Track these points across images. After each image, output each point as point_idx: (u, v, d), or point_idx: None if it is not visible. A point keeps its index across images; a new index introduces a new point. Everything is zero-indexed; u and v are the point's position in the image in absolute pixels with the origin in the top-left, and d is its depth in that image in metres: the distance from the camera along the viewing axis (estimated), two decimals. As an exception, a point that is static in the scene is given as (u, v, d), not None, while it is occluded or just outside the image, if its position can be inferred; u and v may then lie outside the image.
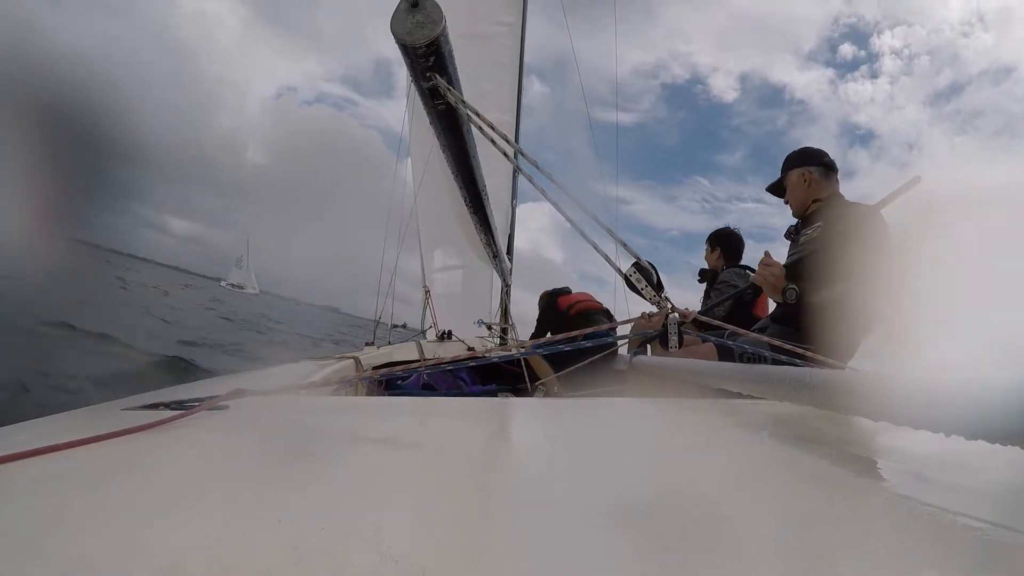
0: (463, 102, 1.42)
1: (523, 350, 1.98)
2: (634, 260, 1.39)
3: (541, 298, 3.89)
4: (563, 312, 3.45)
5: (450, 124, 1.59)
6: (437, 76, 1.34)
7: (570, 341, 1.66)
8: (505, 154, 1.47)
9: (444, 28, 1.23)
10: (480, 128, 1.48)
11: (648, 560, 0.33)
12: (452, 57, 1.35)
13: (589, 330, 1.49)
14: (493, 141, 1.46)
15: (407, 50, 1.26)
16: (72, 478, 0.43)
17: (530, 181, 1.47)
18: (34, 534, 0.33)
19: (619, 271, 1.41)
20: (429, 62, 1.30)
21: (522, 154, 1.48)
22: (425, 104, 1.49)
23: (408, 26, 1.22)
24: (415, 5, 1.21)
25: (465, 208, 2.70)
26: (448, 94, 1.39)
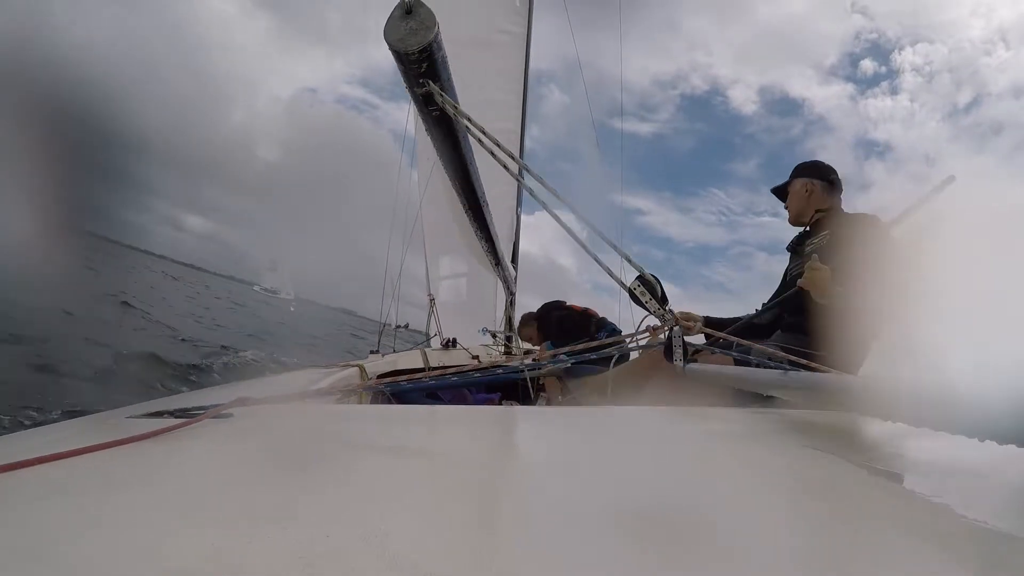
0: (456, 108, 1.43)
1: (527, 363, 1.97)
2: (638, 274, 1.39)
3: (539, 311, 3.79)
4: (567, 309, 3.49)
5: (446, 132, 1.59)
6: (430, 82, 1.35)
7: (576, 354, 1.65)
8: (505, 166, 1.47)
9: (437, 34, 1.25)
10: (479, 139, 1.48)
11: (656, 567, 0.33)
12: (446, 64, 1.36)
13: (595, 344, 1.48)
14: (492, 153, 1.46)
15: (400, 56, 1.28)
16: (78, 485, 0.43)
17: (531, 194, 1.47)
18: (41, 540, 0.33)
19: (622, 284, 1.41)
20: (422, 68, 1.31)
21: (525, 168, 1.48)
22: (420, 111, 1.50)
23: (401, 32, 1.23)
24: (409, 12, 1.23)
25: (466, 216, 2.71)
26: (442, 100, 1.40)
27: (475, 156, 1.91)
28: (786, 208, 2.25)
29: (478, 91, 3.94)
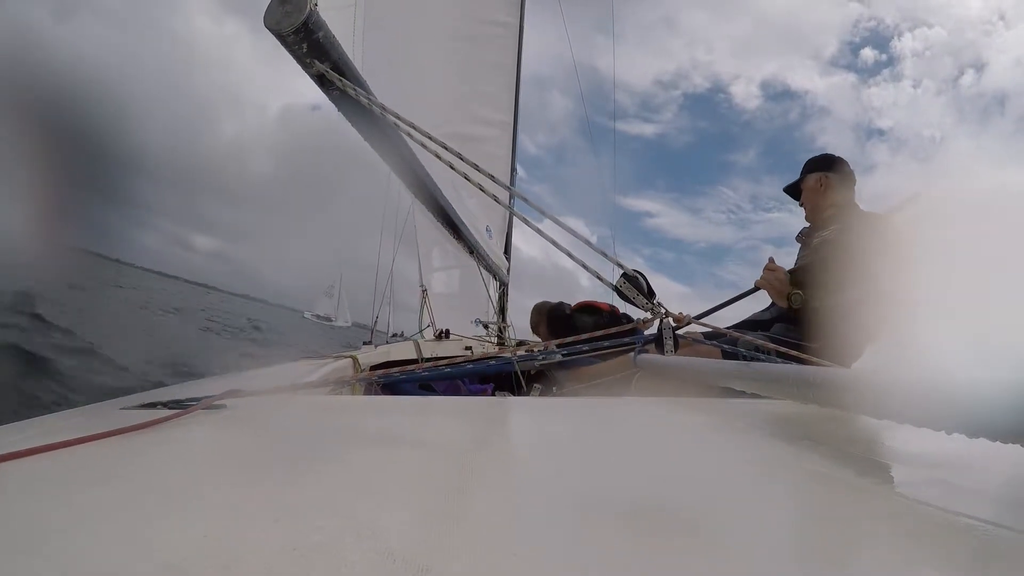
0: (358, 89, 1.45)
1: (519, 355, 1.98)
2: (622, 272, 1.43)
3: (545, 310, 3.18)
4: (570, 314, 3.26)
5: (358, 112, 1.59)
6: (317, 62, 1.40)
7: (566, 346, 1.65)
8: (438, 156, 1.47)
9: (311, 14, 1.31)
10: (399, 125, 1.47)
11: (649, 558, 0.33)
12: (332, 43, 1.41)
13: (585, 336, 1.49)
14: (426, 147, 1.46)
15: (279, 38, 1.34)
16: (70, 477, 0.43)
17: (496, 200, 1.48)
18: (32, 533, 0.33)
19: (610, 284, 1.45)
20: (303, 48, 1.36)
21: (497, 180, 1.46)
22: (326, 93, 1.53)
23: (278, 16, 1.31)
24: None
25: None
26: (341, 84, 1.43)
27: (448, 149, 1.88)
28: (801, 205, 2.21)
29: (467, 84, 3.90)
